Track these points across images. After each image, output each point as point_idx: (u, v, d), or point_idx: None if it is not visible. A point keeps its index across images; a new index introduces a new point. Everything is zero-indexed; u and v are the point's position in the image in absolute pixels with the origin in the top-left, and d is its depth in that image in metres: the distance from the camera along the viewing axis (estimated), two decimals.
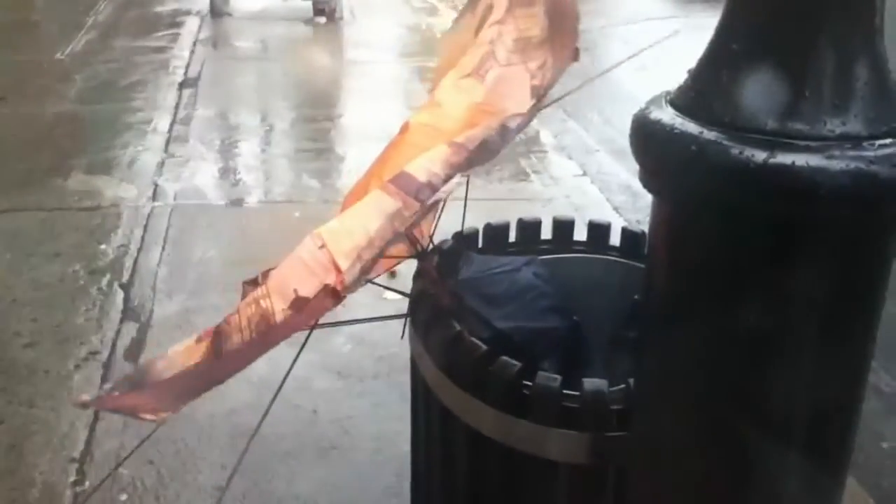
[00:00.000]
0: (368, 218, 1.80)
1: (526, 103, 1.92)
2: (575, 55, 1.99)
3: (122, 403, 1.96)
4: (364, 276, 1.76)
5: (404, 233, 1.97)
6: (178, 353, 1.89)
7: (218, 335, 1.77)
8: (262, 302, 1.76)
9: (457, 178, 1.83)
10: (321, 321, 1.95)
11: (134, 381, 1.93)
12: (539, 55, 1.97)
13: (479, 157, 1.85)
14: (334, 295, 1.72)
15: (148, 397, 1.92)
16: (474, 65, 2.01)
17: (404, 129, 2.05)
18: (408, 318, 2.10)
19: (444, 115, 2.00)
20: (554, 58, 1.97)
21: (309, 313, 1.78)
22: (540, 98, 1.95)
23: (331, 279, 1.73)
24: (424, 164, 1.81)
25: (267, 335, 1.77)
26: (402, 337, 2.15)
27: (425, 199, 1.78)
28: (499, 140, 1.89)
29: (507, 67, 1.98)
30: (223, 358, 1.78)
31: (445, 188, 1.82)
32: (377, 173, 2.01)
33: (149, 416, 1.89)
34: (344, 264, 1.73)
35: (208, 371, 1.84)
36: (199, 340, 1.85)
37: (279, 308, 1.74)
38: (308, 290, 1.74)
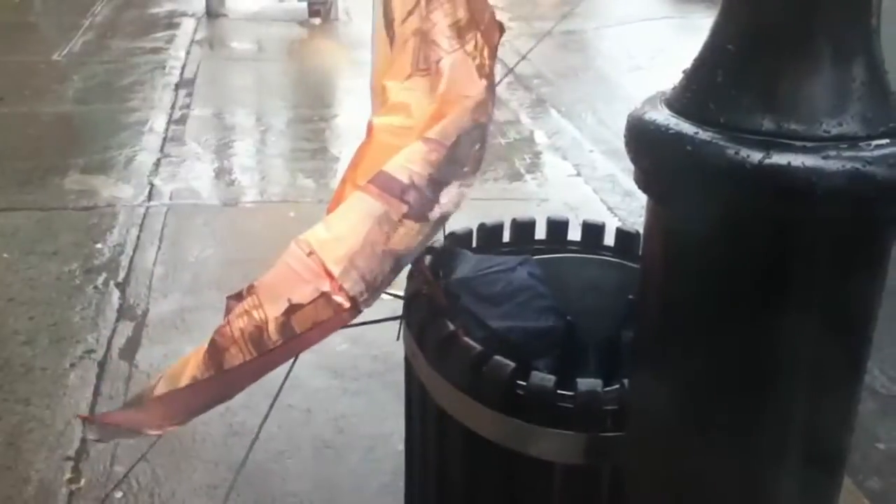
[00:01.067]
0: (355, 222, 1.78)
1: (479, 84, 1.91)
2: (500, 28, 1.97)
3: (124, 419, 1.95)
4: (374, 285, 1.75)
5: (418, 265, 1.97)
6: (174, 370, 1.90)
7: (212, 348, 1.77)
8: (254, 313, 1.75)
9: (465, 191, 1.83)
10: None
11: (132, 403, 1.93)
12: (469, 36, 1.95)
13: (458, 153, 1.84)
14: (351, 308, 1.72)
15: (150, 415, 1.91)
16: (411, 62, 1.98)
17: (369, 130, 2.03)
18: (402, 319, 2.10)
19: (407, 112, 1.97)
20: (483, 36, 1.95)
21: (323, 329, 1.76)
22: (488, 78, 1.94)
23: (325, 286, 1.72)
24: (403, 164, 1.80)
25: (272, 353, 1.76)
26: (397, 339, 2.16)
27: (412, 200, 1.77)
28: (475, 133, 1.88)
29: (452, 54, 1.95)
30: (226, 374, 1.77)
31: (455, 201, 1.82)
32: (351, 179, 1.99)
33: (153, 432, 1.89)
34: (336, 270, 1.72)
35: (211, 387, 1.83)
36: (195, 352, 1.86)
37: (272, 316, 1.73)
38: (303, 297, 1.73)
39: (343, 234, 1.78)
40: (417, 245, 1.82)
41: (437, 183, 1.81)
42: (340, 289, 1.73)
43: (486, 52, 1.95)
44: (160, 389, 1.88)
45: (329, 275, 1.72)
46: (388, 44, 2.10)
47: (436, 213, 1.81)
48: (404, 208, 1.77)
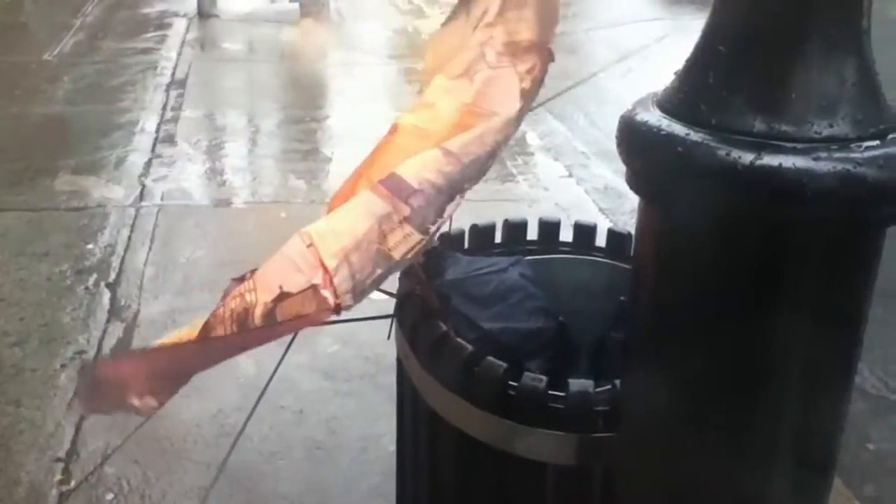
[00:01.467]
0: (356, 219, 1.79)
1: (514, 105, 1.93)
2: (550, 56, 2.00)
3: (116, 371, 1.95)
4: (362, 286, 1.76)
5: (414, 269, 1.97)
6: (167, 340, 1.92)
7: (205, 327, 1.78)
8: (247, 296, 1.77)
9: (456, 201, 1.84)
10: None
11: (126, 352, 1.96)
12: (528, 58, 1.98)
13: (472, 171, 1.85)
14: (333, 308, 1.72)
15: (138, 371, 1.91)
16: (465, 66, 2.01)
17: (393, 129, 2.04)
18: (394, 319, 2.10)
19: (433, 116, 2.00)
20: (541, 61, 1.98)
21: (304, 322, 1.77)
22: (527, 101, 1.96)
23: (318, 278, 1.73)
24: (417, 169, 1.81)
25: (250, 332, 1.77)
26: (388, 338, 2.15)
27: (416, 205, 1.78)
28: (493, 155, 1.90)
29: (497, 69, 1.98)
30: (206, 343, 1.78)
31: (449, 214, 1.83)
32: (365, 174, 2.01)
33: (136, 402, 1.88)
34: (330, 263, 1.73)
35: (190, 355, 1.84)
36: (191, 327, 1.88)
37: (262, 301, 1.75)
38: (293, 286, 1.74)
39: (343, 229, 1.79)
40: (412, 255, 1.82)
41: (444, 196, 1.81)
42: (331, 283, 1.73)
43: (537, 78, 1.97)
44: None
45: (324, 268, 1.73)
46: (468, 36, 2.12)
47: (435, 227, 1.82)
48: (407, 211, 1.78)
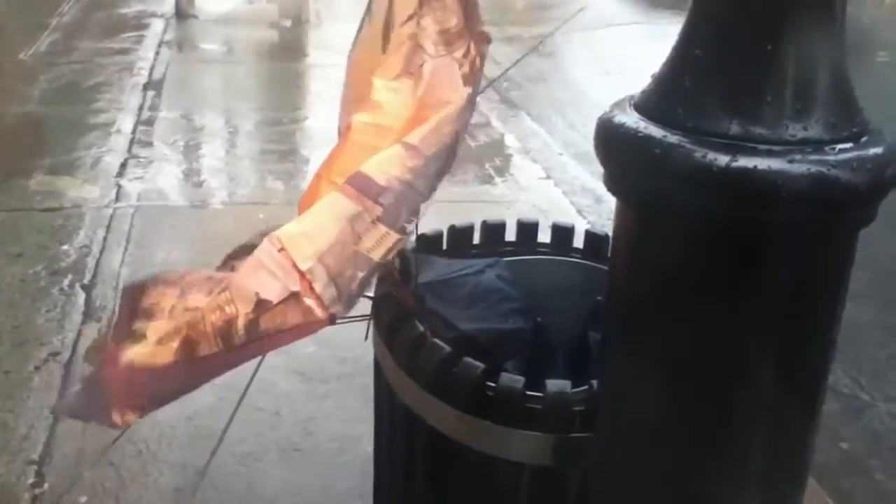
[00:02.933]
0: (327, 221, 1.79)
1: (462, 92, 1.92)
2: (486, 39, 2.00)
3: (106, 383, 1.93)
4: (348, 291, 1.75)
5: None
6: (140, 354, 1.88)
7: (186, 343, 1.76)
8: (226, 308, 1.76)
9: (429, 199, 1.84)
10: None
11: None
12: (461, 44, 1.97)
13: (437, 163, 1.85)
14: (324, 319, 1.73)
15: (127, 386, 1.89)
16: (402, 63, 1.99)
17: (347, 129, 2.04)
18: (371, 320, 2.10)
19: (385, 112, 1.99)
20: (474, 45, 1.98)
21: (294, 334, 1.77)
22: (473, 86, 1.95)
23: (295, 285, 1.72)
24: (382, 167, 1.81)
25: (238, 350, 1.76)
26: (365, 338, 2.15)
27: (386, 203, 1.78)
28: (454, 145, 1.89)
29: (437, 59, 1.97)
30: (193, 363, 1.76)
31: (420, 211, 1.82)
32: (325, 175, 2.00)
33: (116, 417, 1.87)
34: (304, 266, 1.72)
35: (177, 374, 1.82)
36: (160, 342, 1.84)
37: (243, 312, 1.73)
38: (271, 294, 1.73)
39: (313, 231, 1.78)
40: (394, 256, 1.82)
41: (414, 193, 1.81)
42: (311, 290, 1.73)
43: (476, 61, 1.96)
44: (126, 357, 1.87)
45: (299, 272, 1.72)
46: (380, 43, 2.10)
47: (411, 227, 1.81)
48: (378, 210, 1.77)
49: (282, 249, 1.75)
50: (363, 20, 2.17)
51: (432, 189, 1.85)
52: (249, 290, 1.74)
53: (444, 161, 1.88)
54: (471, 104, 1.93)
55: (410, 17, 1.99)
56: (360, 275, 1.77)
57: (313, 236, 1.77)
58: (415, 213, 1.81)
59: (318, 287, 1.73)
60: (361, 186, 1.79)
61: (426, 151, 1.83)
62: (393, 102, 1.98)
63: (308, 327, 1.74)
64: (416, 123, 1.87)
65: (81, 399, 2.14)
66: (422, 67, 1.95)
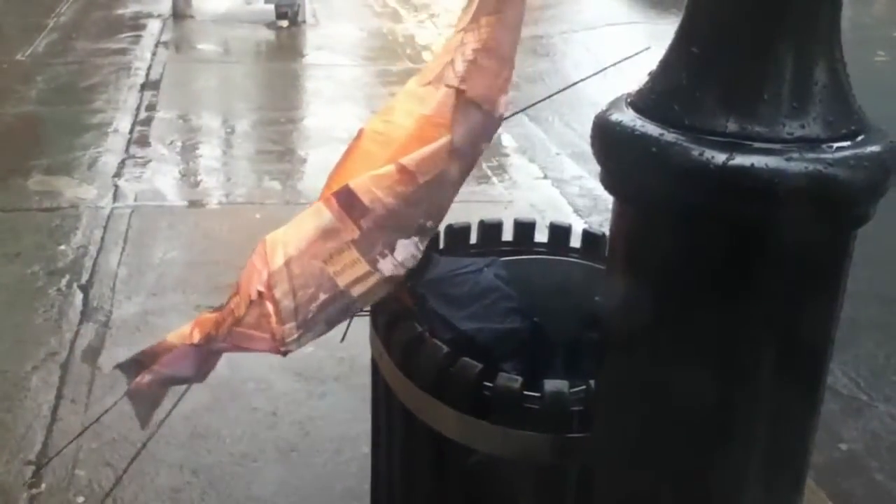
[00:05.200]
0: (305, 229, 1.79)
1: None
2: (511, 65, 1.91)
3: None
4: (306, 311, 1.75)
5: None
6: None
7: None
8: (236, 311, 1.83)
9: (418, 249, 1.81)
10: None
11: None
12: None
13: (429, 196, 1.81)
14: (280, 345, 1.74)
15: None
16: (436, 73, 1.91)
17: (359, 135, 2.01)
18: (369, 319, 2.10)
19: (395, 123, 1.94)
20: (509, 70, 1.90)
21: (254, 346, 1.80)
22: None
23: (261, 284, 1.74)
24: (370, 186, 1.77)
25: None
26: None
27: (365, 227, 1.75)
28: (453, 177, 1.85)
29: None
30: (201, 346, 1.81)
31: (408, 260, 1.79)
32: (336, 181, 1.99)
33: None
34: (273, 267, 1.73)
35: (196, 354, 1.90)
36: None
37: (239, 315, 1.76)
38: (255, 292, 1.75)
39: (290, 236, 1.79)
40: (363, 293, 1.79)
41: (396, 220, 1.77)
42: (271, 294, 1.73)
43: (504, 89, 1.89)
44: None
45: (268, 273, 1.73)
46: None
47: (387, 266, 1.77)
48: (355, 234, 1.75)
49: (265, 252, 1.78)
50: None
51: (419, 231, 1.80)
52: (248, 290, 1.77)
53: (440, 195, 1.83)
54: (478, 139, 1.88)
55: (462, 30, 1.89)
56: (322, 297, 1.75)
57: (288, 241, 1.78)
58: (390, 248, 1.77)
59: (277, 293, 1.73)
60: (346, 203, 1.77)
61: (419, 178, 1.78)
62: (405, 112, 1.93)
63: (263, 343, 1.76)
64: (418, 142, 1.82)
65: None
66: (441, 86, 1.87)
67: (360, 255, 1.76)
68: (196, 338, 1.89)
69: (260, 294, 1.74)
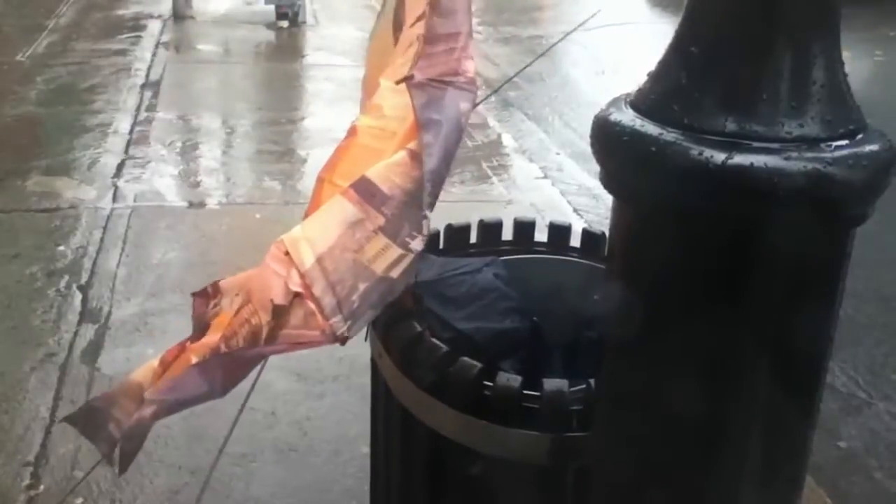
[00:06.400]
0: (329, 225, 1.78)
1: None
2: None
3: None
4: (349, 304, 1.74)
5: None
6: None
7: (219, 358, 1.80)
8: (252, 319, 1.78)
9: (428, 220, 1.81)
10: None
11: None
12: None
13: (439, 177, 1.83)
14: (339, 342, 1.72)
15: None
16: (409, 65, 1.91)
17: (352, 132, 2.01)
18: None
19: (388, 116, 1.96)
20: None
21: (304, 346, 1.78)
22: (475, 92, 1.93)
23: (296, 285, 1.72)
24: (386, 174, 1.79)
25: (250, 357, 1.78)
26: (365, 339, 2.15)
27: (389, 214, 1.76)
28: (455, 147, 1.87)
29: None
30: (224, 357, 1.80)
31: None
32: (328, 178, 1.98)
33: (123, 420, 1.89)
34: (303, 268, 1.72)
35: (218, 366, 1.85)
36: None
37: (265, 321, 1.74)
38: (280, 296, 1.74)
39: (315, 235, 1.78)
40: (400, 275, 1.79)
41: (415, 203, 1.78)
42: (310, 293, 1.72)
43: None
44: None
45: (300, 274, 1.72)
46: (392, 44, 2.08)
47: (418, 244, 1.78)
48: (381, 221, 1.76)
49: (287, 253, 1.76)
50: (379, 14, 2.15)
51: (430, 204, 1.84)
52: (265, 297, 1.75)
53: (445, 169, 1.86)
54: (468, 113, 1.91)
55: (419, 18, 1.93)
56: (363, 286, 1.75)
57: (314, 239, 1.77)
58: (417, 229, 1.78)
59: (316, 290, 1.72)
60: (365, 193, 1.77)
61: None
62: (397, 105, 1.94)
63: (315, 340, 1.74)
64: (419, 129, 1.84)
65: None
66: None
67: (390, 240, 1.76)
68: (193, 359, 1.86)
69: (297, 295, 1.72)
